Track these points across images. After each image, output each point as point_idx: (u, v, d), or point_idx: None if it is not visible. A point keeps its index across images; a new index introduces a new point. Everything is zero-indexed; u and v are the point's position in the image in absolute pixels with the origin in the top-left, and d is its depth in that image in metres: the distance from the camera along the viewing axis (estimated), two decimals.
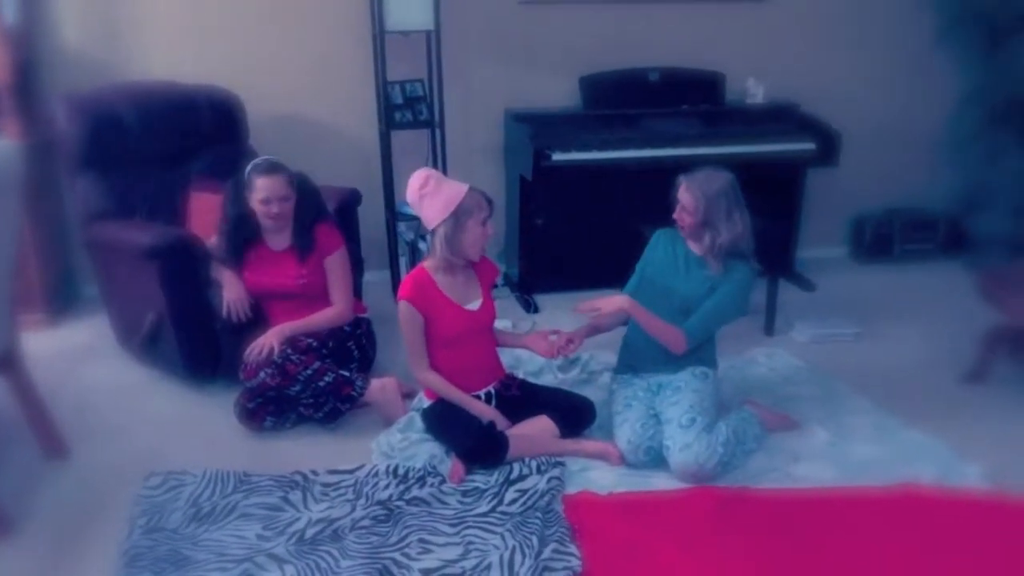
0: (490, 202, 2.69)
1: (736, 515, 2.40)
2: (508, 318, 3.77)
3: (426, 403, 2.82)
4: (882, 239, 4.69)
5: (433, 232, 2.67)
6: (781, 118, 4.24)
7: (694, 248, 2.81)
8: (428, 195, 2.65)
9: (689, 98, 4.23)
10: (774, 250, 3.83)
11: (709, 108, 4.23)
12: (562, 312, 3.85)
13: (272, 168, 2.95)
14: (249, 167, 2.97)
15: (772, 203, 4.19)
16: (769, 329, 3.72)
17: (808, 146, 4.07)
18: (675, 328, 2.71)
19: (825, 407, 3.02)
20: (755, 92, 4.31)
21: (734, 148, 3.97)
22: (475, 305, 2.76)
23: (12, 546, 2.30)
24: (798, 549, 2.26)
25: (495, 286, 2.90)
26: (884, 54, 4.49)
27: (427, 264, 2.74)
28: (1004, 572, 2.20)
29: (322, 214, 3.14)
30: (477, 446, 2.62)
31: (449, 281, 2.73)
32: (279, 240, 3.06)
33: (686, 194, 2.73)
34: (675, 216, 2.77)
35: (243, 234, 3.03)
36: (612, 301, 2.69)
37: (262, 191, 2.92)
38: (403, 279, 2.81)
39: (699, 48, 4.29)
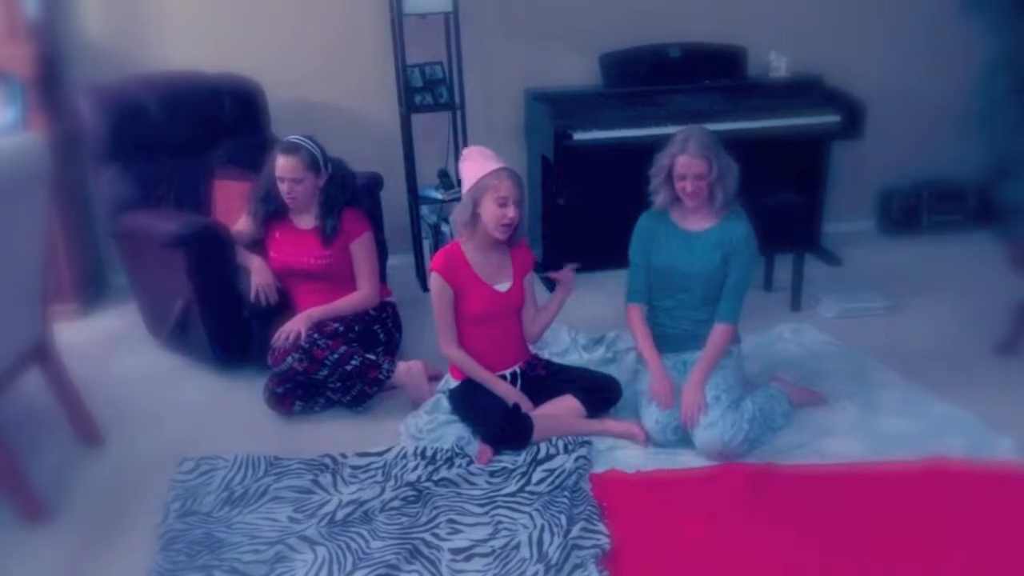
0: (520, 186, 2.67)
1: (765, 492, 2.39)
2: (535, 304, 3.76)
3: (452, 384, 2.83)
4: (910, 211, 4.62)
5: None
6: (805, 91, 4.18)
7: (684, 222, 2.77)
8: (465, 168, 2.73)
9: (711, 73, 4.19)
10: (800, 225, 3.80)
11: (731, 83, 4.18)
12: (585, 292, 3.84)
13: (290, 149, 2.97)
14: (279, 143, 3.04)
15: (797, 177, 4.16)
16: (796, 304, 3.69)
17: (833, 119, 4.01)
18: (720, 334, 2.71)
19: (854, 382, 3.00)
20: (778, 66, 4.25)
21: (758, 123, 3.92)
22: (504, 287, 2.77)
23: (49, 533, 2.35)
24: (828, 525, 2.26)
25: (532, 271, 2.90)
26: (908, 23, 4.41)
27: (461, 240, 2.76)
28: None
29: (353, 199, 3.16)
30: (502, 429, 2.63)
31: (481, 259, 2.74)
32: (304, 219, 3.09)
33: (694, 161, 2.64)
34: (686, 189, 2.67)
35: (269, 206, 3.07)
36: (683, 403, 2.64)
37: (277, 169, 2.98)
38: (435, 253, 2.83)
39: (720, 23, 4.24)
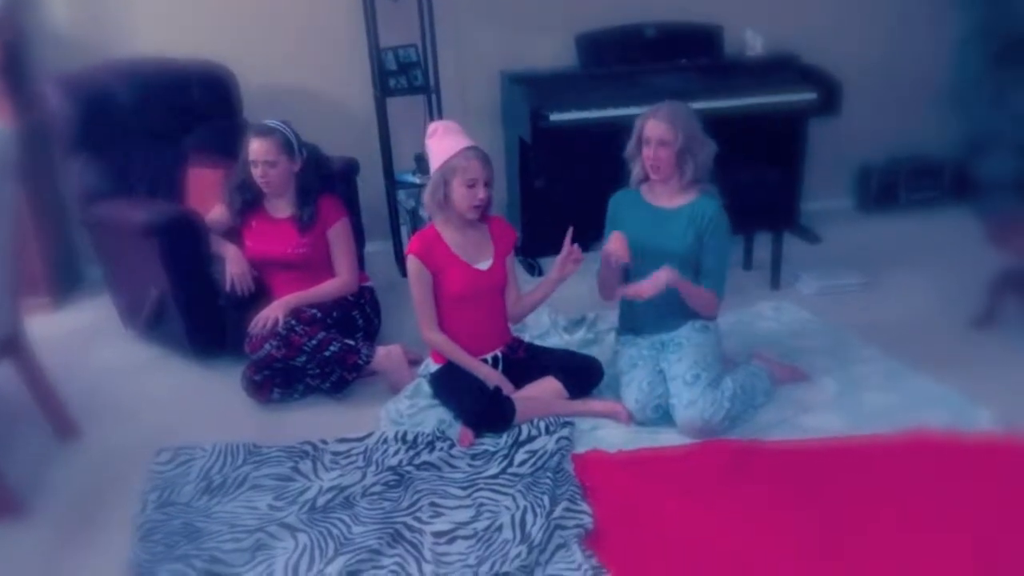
0: (488, 166, 2.65)
1: (747, 468, 2.40)
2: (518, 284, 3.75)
3: (433, 368, 2.81)
4: (887, 188, 4.64)
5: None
6: (781, 69, 4.17)
7: (656, 199, 2.75)
8: (432, 145, 2.69)
9: (687, 52, 4.17)
10: (778, 203, 3.80)
11: (708, 62, 4.16)
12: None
13: (263, 131, 2.94)
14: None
15: (775, 155, 4.15)
16: (775, 283, 3.69)
17: (809, 96, 4.01)
18: (709, 292, 2.69)
19: (834, 357, 3.01)
20: (754, 44, 4.24)
21: (734, 101, 3.91)
22: (485, 265, 2.74)
23: (25, 526, 2.32)
24: (810, 500, 2.26)
25: (513, 252, 2.86)
26: (883, 0, 4.41)
27: (437, 221, 2.73)
28: (1018, 515, 2.19)
29: (328, 186, 3.12)
30: (484, 412, 2.62)
31: (459, 239, 2.72)
32: (280, 207, 3.05)
33: (660, 125, 2.62)
34: (649, 156, 2.65)
35: (244, 195, 3.03)
36: (658, 279, 2.58)
37: (251, 153, 2.94)
38: (411, 237, 2.80)
39: (696, 1, 4.21)
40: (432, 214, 2.73)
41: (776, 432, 2.59)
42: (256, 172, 2.94)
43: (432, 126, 2.75)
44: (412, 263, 2.69)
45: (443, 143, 2.66)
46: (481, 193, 2.63)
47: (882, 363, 2.96)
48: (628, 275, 2.84)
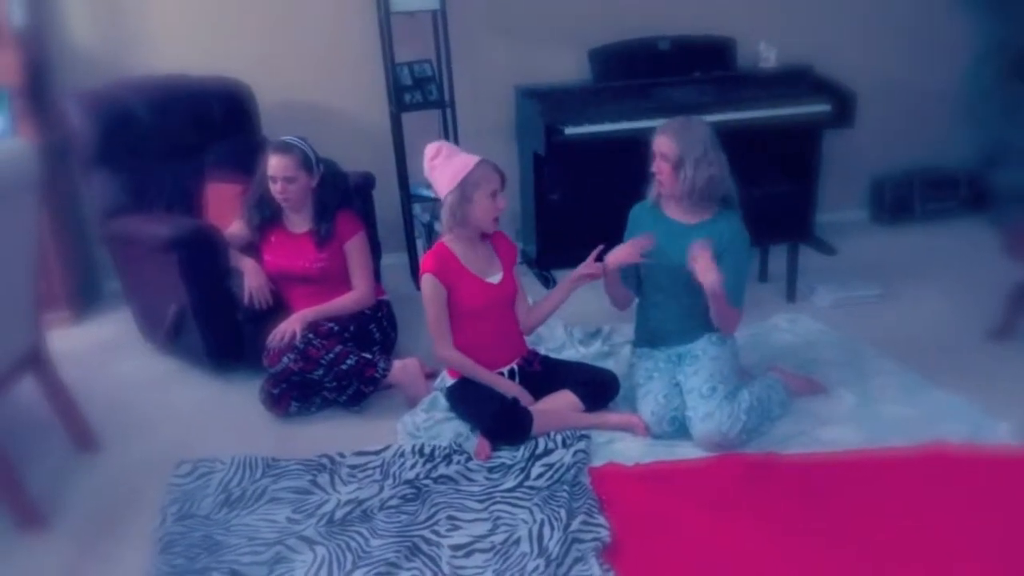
0: (502, 174, 2.68)
1: (764, 481, 2.39)
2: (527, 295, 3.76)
3: (449, 382, 2.82)
4: (902, 199, 4.62)
5: (443, 203, 2.70)
6: (795, 81, 4.18)
7: (674, 214, 2.76)
8: (438, 166, 2.69)
9: (701, 65, 4.18)
10: (793, 215, 3.80)
11: (721, 74, 4.18)
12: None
13: (283, 148, 2.97)
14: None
15: (790, 167, 4.15)
16: (791, 295, 3.69)
17: (823, 108, 4.01)
18: (735, 310, 2.70)
19: (850, 370, 3.00)
20: (767, 56, 4.25)
21: (748, 113, 3.92)
22: (496, 278, 2.77)
23: (46, 539, 2.34)
24: (827, 513, 2.26)
25: (517, 264, 2.89)
26: (897, 11, 4.40)
27: (446, 238, 2.76)
28: None
29: (345, 201, 3.15)
30: (501, 423, 2.63)
31: (470, 254, 2.74)
32: (298, 222, 3.08)
33: (662, 138, 2.66)
34: (654, 169, 2.69)
35: (263, 211, 3.05)
36: (710, 281, 2.54)
37: (270, 169, 2.96)
38: (423, 256, 2.81)
39: (709, 14, 4.23)
40: (448, 231, 2.74)
41: (793, 445, 2.58)
42: (275, 188, 2.97)
43: (431, 149, 2.73)
44: (428, 281, 2.70)
45: (452, 162, 2.67)
46: (502, 202, 2.67)
47: (899, 376, 2.95)
48: (639, 287, 2.85)
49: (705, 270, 2.54)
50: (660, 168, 2.68)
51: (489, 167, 2.66)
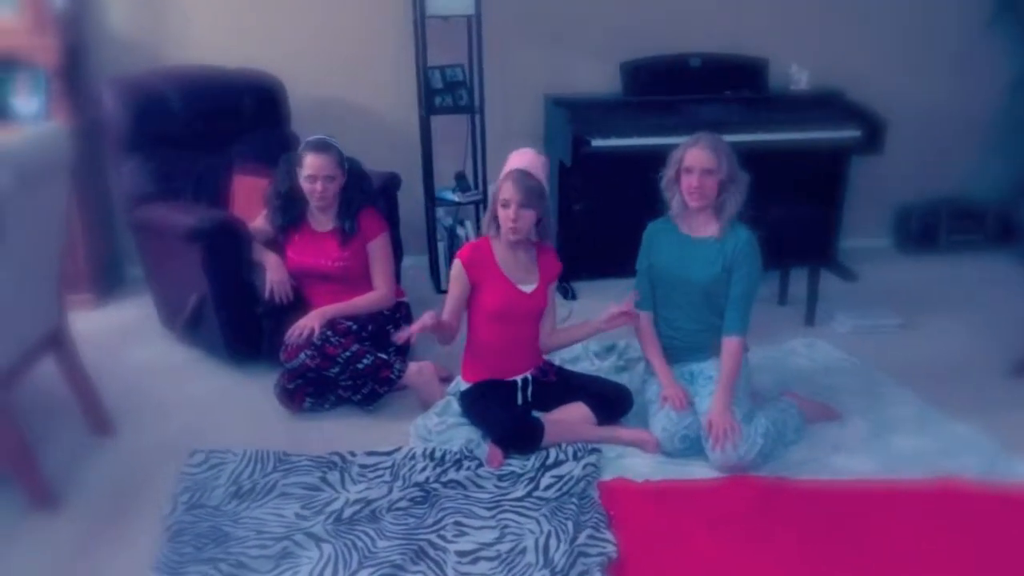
0: (523, 190, 2.64)
1: (774, 505, 2.38)
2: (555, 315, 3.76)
3: (463, 386, 2.83)
4: (928, 229, 4.60)
5: None
6: (825, 105, 4.17)
7: (690, 230, 2.76)
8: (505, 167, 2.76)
9: (731, 84, 4.18)
10: (816, 239, 3.79)
11: (751, 95, 4.18)
12: (600, 299, 3.83)
13: (322, 146, 2.98)
14: (303, 143, 3.03)
15: (816, 191, 4.15)
16: (810, 319, 3.67)
17: (853, 133, 3.99)
18: (731, 347, 2.68)
19: (866, 398, 2.98)
20: (799, 78, 4.24)
21: (777, 135, 3.91)
22: (529, 288, 2.77)
23: (57, 520, 2.36)
24: (836, 541, 2.24)
25: (557, 282, 2.91)
26: (931, 40, 4.39)
27: (491, 237, 2.78)
28: None
29: (369, 200, 3.17)
30: (512, 432, 2.63)
31: (508, 257, 2.76)
32: (323, 221, 3.09)
33: (705, 152, 2.64)
34: (692, 184, 2.65)
35: (290, 211, 3.07)
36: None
37: (309, 168, 2.96)
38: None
39: (742, 34, 4.23)
40: (487, 230, 2.78)
41: (806, 471, 2.56)
42: (315, 187, 2.97)
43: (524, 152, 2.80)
44: (456, 267, 2.75)
45: (507, 164, 2.74)
46: (510, 214, 2.66)
47: (915, 406, 2.93)
48: (656, 302, 2.84)
49: (721, 428, 2.55)
50: (704, 183, 2.65)
51: (511, 179, 2.67)
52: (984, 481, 2.48)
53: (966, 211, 4.59)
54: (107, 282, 4.00)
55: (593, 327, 2.79)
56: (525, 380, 2.81)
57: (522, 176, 2.67)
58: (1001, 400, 2.99)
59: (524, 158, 2.74)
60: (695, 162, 2.65)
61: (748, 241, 2.70)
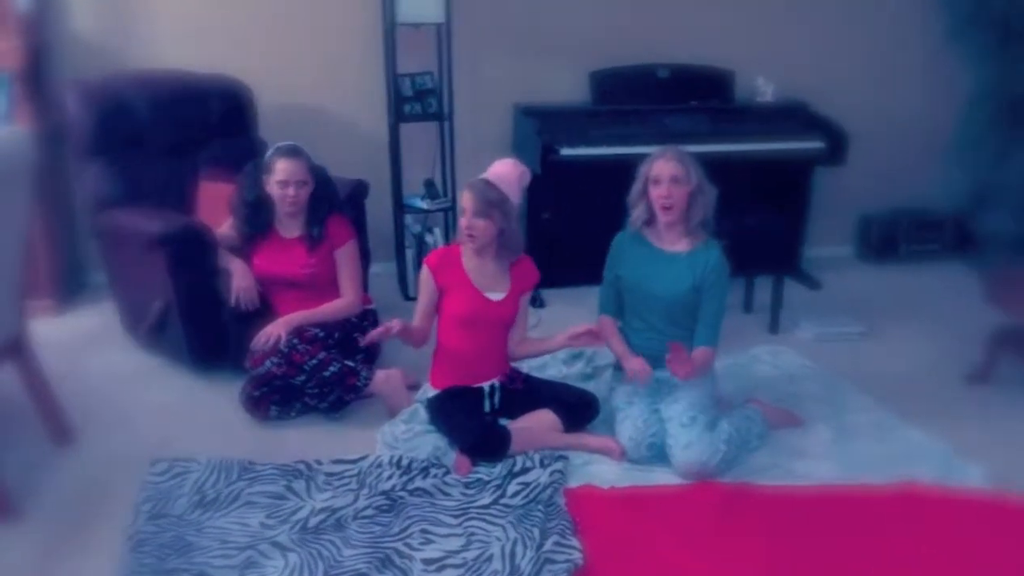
0: (478, 198, 2.66)
1: (738, 511, 2.41)
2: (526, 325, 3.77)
3: (431, 393, 2.83)
4: (888, 239, 4.68)
5: None
6: (790, 116, 4.24)
7: (661, 243, 2.78)
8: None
9: (698, 95, 4.23)
10: (780, 248, 3.84)
11: (718, 105, 4.23)
12: (568, 307, 3.87)
13: (293, 151, 2.97)
14: (271, 150, 3.02)
15: (779, 201, 4.20)
16: (774, 327, 3.72)
17: (816, 145, 4.06)
18: (703, 351, 2.71)
19: (829, 405, 3.03)
20: (764, 90, 4.31)
21: (743, 146, 3.97)
22: (495, 296, 2.78)
23: (17, 531, 2.32)
24: (799, 545, 2.27)
25: (531, 293, 2.92)
26: (892, 54, 4.48)
27: (462, 241, 2.79)
28: (1003, 572, 2.20)
29: (336, 206, 3.16)
30: (480, 440, 2.63)
31: (477, 265, 2.77)
32: (291, 227, 3.08)
33: (671, 163, 2.66)
34: (661, 195, 2.66)
35: (258, 218, 3.05)
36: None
37: (281, 173, 2.94)
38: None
39: (709, 46, 4.28)
40: (459, 237, 2.81)
41: (768, 476, 2.60)
42: (287, 192, 2.96)
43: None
44: (424, 271, 2.79)
45: (486, 174, 2.75)
46: (463, 222, 2.69)
47: (876, 413, 2.98)
48: (623, 312, 2.87)
49: (683, 373, 2.58)
50: (672, 193, 2.67)
51: (469, 187, 2.70)
52: (941, 485, 2.53)
53: (925, 221, 4.68)
54: (69, 288, 3.94)
55: (558, 343, 2.81)
56: (492, 387, 2.82)
57: (480, 186, 2.68)
58: (957, 408, 3.05)
59: (503, 168, 2.74)
60: (663, 172, 2.68)
61: (719, 259, 2.73)
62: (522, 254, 2.85)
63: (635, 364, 2.70)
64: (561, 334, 2.76)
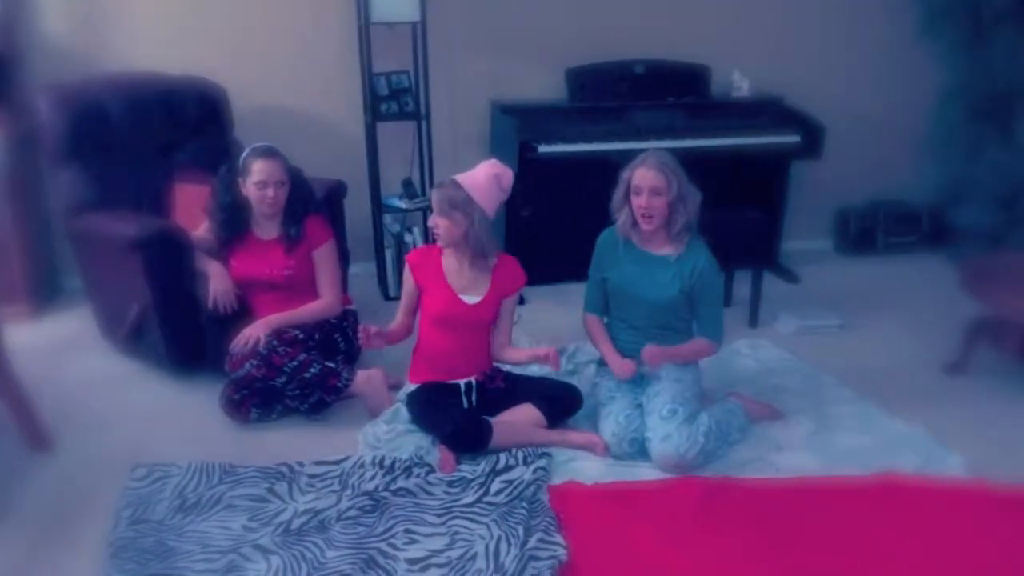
0: (442, 199, 2.67)
1: (720, 504, 2.41)
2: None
3: (410, 388, 2.82)
4: (866, 231, 4.72)
5: None
6: (766, 111, 4.26)
7: (647, 245, 2.77)
8: None
9: (675, 91, 4.25)
10: (759, 242, 3.86)
11: (695, 101, 4.24)
12: (547, 304, 3.87)
13: (270, 152, 2.95)
14: (247, 151, 2.99)
15: (757, 195, 4.22)
16: (754, 321, 3.74)
17: (793, 138, 4.09)
18: (701, 342, 2.76)
19: (809, 397, 3.05)
20: (740, 85, 4.33)
21: (719, 140, 3.99)
22: (472, 299, 2.77)
23: None
24: (781, 538, 2.28)
25: (516, 297, 2.89)
26: (868, 48, 4.51)
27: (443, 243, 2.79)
28: (984, 560, 2.22)
29: (313, 207, 3.14)
30: (460, 429, 2.63)
31: (455, 266, 2.77)
32: (268, 229, 3.06)
33: (652, 172, 2.63)
34: (641, 205, 2.65)
35: (234, 221, 3.02)
36: (647, 359, 2.65)
37: (259, 174, 2.92)
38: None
39: (685, 42, 4.30)
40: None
41: (750, 469, 2.61)
42: (266, 192, 2.93)
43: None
44: (405, 267, 2.82)
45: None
46: (431, 222, 2.73)
47: (856, 405, 3.00)
48: (609, 314, 2.88)
49: (648, 355, 2.63)
50: (652, 204, 2.64)
51: (435, 186, 2.74)
52: (921, 475, 2.55)
53: (903, 214, 4.73)
54: (44, 293, 3.90)
55: (525, 358, 2.86)
56: (469, 384, 2.81)
57: (445, 185, 2.69)
58: (936, 397, 3.08)
59: (475, 175, 2.72)
60: (643, 182, 2.65)
61: (708, 263, 2.72)
62: (507, 256, 2.84)
63: (622, 366, 2.72)
64: (533, 349, 2.86)
